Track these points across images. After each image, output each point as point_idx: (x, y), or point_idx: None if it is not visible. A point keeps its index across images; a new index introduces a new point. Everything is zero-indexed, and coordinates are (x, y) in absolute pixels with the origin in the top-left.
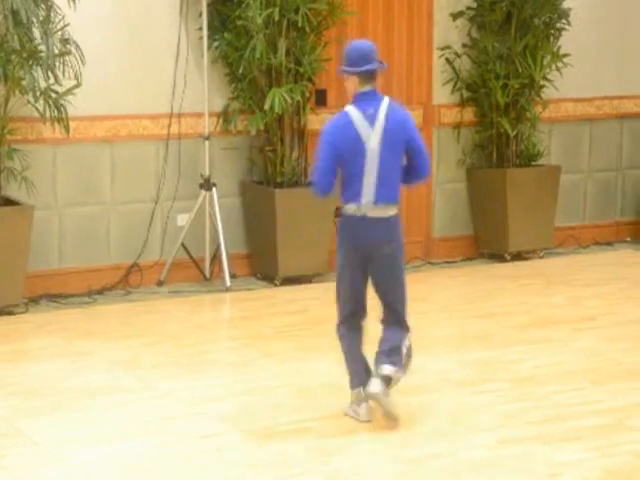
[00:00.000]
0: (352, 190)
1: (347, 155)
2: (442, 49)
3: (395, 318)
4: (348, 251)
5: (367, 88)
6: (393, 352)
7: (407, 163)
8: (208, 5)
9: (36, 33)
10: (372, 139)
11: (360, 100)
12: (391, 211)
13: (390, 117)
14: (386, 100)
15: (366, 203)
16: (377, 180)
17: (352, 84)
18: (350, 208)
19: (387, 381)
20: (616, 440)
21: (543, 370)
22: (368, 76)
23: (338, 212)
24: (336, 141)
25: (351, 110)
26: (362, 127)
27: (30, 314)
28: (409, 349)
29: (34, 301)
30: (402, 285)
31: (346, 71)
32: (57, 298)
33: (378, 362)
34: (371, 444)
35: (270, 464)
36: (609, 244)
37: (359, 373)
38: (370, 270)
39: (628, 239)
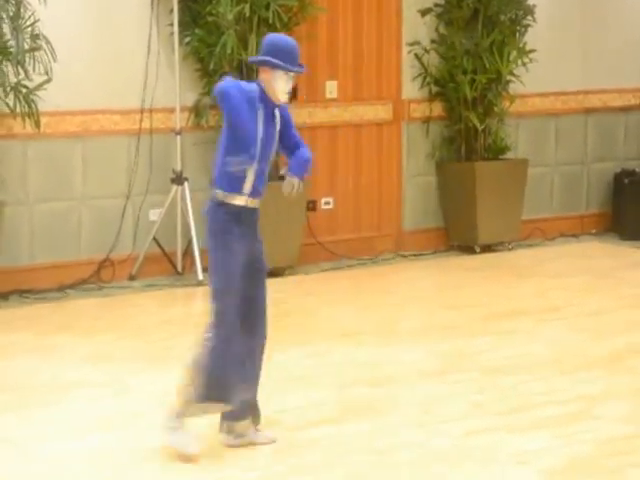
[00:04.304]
0: None
1: None
2: (411, 45)
3: None
4: None
5: None
6: None
7: None
8: (179, 1)
9: (6, 29)
10: None
11: None
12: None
13: None
14: None
15: None
16: None
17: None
18: None
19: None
20: (580, 428)
21: (510, 360)
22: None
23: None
24: None
25: None
26: None
27: (0, 310)
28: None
29: (4, 297)
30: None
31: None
32: (28, 294)
33: None
34: (340, 435)
35: (238, 457)
36: (575, 236)
37: None
38: None
39: (593, 231)
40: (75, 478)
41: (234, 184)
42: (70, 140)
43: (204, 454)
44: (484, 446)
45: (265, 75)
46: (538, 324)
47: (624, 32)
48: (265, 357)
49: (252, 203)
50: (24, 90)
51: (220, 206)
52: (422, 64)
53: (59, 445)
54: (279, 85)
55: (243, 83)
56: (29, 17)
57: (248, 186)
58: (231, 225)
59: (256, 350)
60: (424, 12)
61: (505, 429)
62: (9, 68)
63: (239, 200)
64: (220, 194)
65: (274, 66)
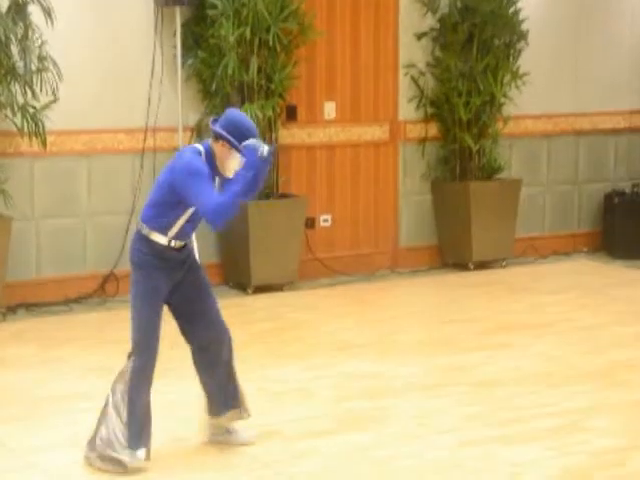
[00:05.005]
0: None
1: None
2: (407, 67)
3: None
4: None
5: None
6: None
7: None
8: (182, 24)
9: (14, 50)
10: None
11: None
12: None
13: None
14: None
15: None
16: None
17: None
18: None
19: None
20: (572, 440)
21: (504, 374)
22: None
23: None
24: None
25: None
26: None
27: (7, 323)
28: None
29: (12, 310)
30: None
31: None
32: (34, 307)
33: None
34: (338, 446)
35: (240, 466)
36: (567, 254)
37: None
38: None
39: (584, 250)
40: None
41: (161, 224)
42: (76, 158)
43: (200, 464)
44: (478, 457)
45: (222, 149)
46: (531, 339)
47: (614, 57)
48: (234, 360)
49: (177, 244)
50: (31, 110)
51: (143, 240)
52: (418, 86)
53: (63, 455)
54: (232, 164)
55: (201, 161)
56: (37, 39)
57: (174, 230)
58: (153, 260)
59: (223, 348)
60: (420, 36)
61: (499, 441)
62: (17, 88)
63: (162, 239)
64: (145, 229)
65: (236, 149)
